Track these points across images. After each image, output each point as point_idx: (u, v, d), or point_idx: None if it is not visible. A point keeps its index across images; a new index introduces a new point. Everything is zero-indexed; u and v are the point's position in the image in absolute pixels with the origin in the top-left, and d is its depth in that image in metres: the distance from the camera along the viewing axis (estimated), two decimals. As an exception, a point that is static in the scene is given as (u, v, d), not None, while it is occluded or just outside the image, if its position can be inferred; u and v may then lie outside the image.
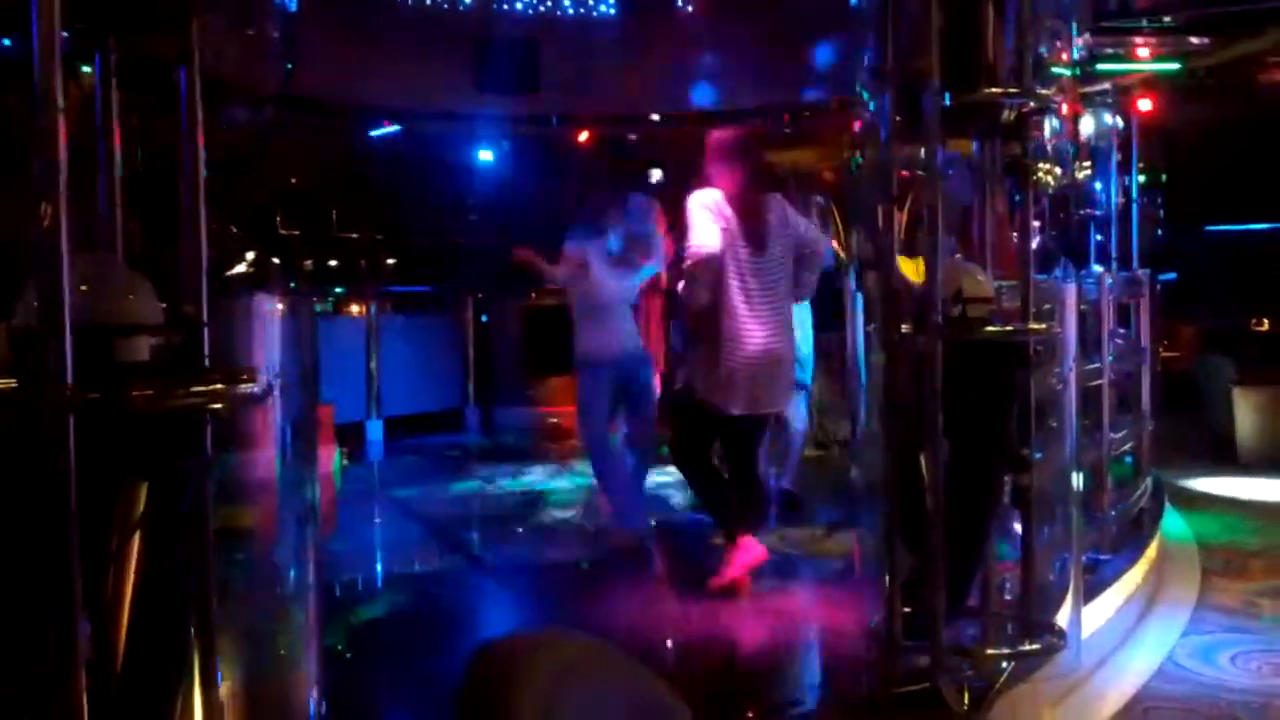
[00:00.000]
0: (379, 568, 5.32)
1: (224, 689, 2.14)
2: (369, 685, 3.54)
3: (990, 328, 3.39)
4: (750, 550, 4.51)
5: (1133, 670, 4.19)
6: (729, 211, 4.45)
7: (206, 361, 2.08)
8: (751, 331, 4.44)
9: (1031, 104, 3.56)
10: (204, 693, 2.07)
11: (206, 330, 2.10)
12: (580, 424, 5.41)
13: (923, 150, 3.36)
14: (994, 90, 3.41)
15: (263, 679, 2.48)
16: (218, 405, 1.84)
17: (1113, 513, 5.10)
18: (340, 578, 4.73)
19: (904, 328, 3.37)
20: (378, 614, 4.45)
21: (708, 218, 4.43)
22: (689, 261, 4.49)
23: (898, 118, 3.46)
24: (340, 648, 3.79)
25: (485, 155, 10.37)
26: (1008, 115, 3.62)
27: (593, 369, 5.32)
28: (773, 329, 4.48)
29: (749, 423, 4.57)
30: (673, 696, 1.41)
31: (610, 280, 5.38)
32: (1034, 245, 3.82)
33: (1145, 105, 8.24)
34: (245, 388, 1.89)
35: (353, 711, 3.24)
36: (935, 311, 3.28)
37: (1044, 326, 3.49)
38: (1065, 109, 6.69)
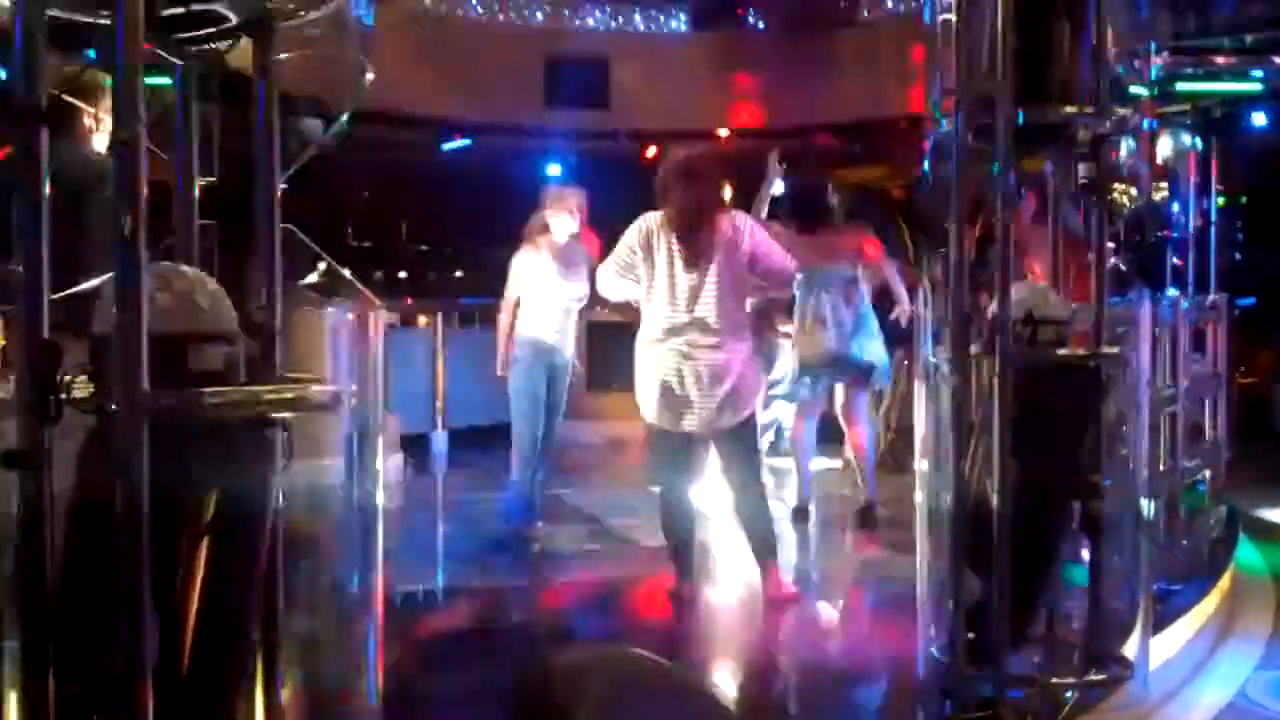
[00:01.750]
0: (440, 578, 5.35)
1: (285, 693, 2.17)
2: (428, 694, 3.55)
3: (1062, 350, 3.34)
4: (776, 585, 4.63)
5: (1202, 704, 4.09)
6: (658, 229, 4.61)
7: (279, 370, 2.12)
8: (677, 345, 4.53)
9: (1107, 124, 3.52)
10: (266, 696, 2.10)
11: (279, 340, 2.13)
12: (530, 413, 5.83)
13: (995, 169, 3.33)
14: (1069, 110, 3.37)
15: (324, 684, 2.51)
16: (288, 413, 1.86)
17: (1184, 542, 4.99)
18: (403, 587, 4.76)
19: (974, 349, 3.33)
20: (439, 624, 4.48)
21: (626, 240, 4.69)
22: None
23: (970, 136, 3.43)
24: (401, 656, 3.81)
25: (553, 169, 10.43)
26: (1083, 135, 3.57)
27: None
28: (710, 343, 4.53)
29: (692, 439, 4.64)
30: (731, 717, 1.40)
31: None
32: (1108, 267, 3.77)
33: (1225, 126, 8.09)
34: (315, 396, 1.92)
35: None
36: (1006, 334, 3.24)
37: (1117, 350, 3.43)
38: (1142, 129, 6.59)
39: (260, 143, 2.24)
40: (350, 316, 2.14)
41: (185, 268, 2.03)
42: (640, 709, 1.15)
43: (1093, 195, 3.72)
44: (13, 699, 1.87)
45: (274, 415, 1.87)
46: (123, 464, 1.73)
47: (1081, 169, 3.75)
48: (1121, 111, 3.53)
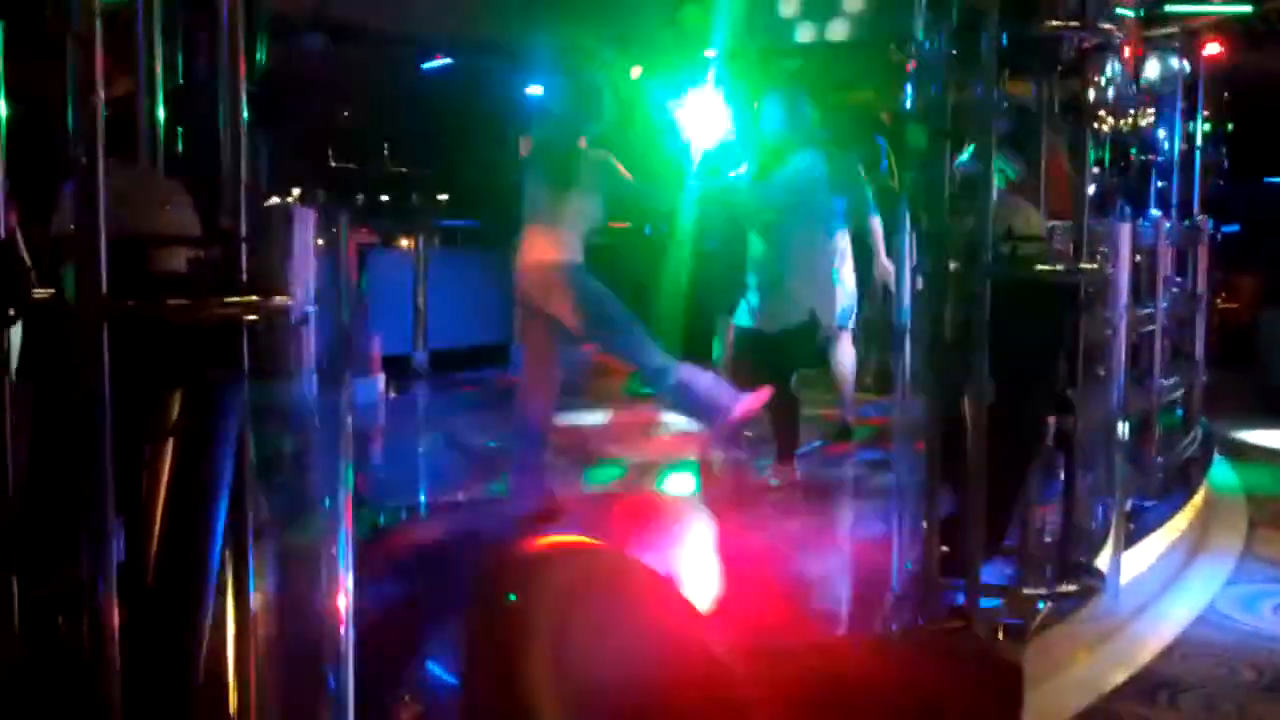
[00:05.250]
0: (419, 496, 5.37)
1: (256, 600, 2.16)
2: (399, 604, 3.56)
3: (1040, 266, 3.33)
4: None
5: (1173, 617, 4.15)
6: None
7: (245, 277, 2.09)
8: None
9: (1093, 40, 3.48)
10: (237, 602, 2.09)
11: (246, 248, 2.10)
12: None
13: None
14: (1054, 24, 3.33)
15: (294, 593, 2.50)
16: (252, 317, 1.84)
17: (1159, 460, 5.03)
18: (380, 503, 4.78)
19: (952, 265, 3.32)
20: (416, 537, 4.49)
21: None
22: None
23: (953, 53, 3.39)
24: (376, 568, 3.81)
25: (535, 89, 10.28)
26: (1067, 52, 3.54)
27: None
28: None
29: None
30: (700, 614, 1.40)
31: None
32: (1091, 187, 3.75)
33: (1213, 50, 8.00)
34: (280, 300, 1.89)
35: (380, 627, 3.25)
36: (984, 249, 3.23)
37: (1095, 266, 3.43)
38: (1128, 51, 6.51)
39: (224, 47, 2.19)
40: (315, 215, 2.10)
41: (147, 170, 2.00)
42: (601, 601, 1.15)
43: (1076, 113, 3.69)
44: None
45: (237, 319, 1.84)
46: (83, 367, 1.71)
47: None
48: (1107, 27, 3.48)
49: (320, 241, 2.51)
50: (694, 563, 4.01)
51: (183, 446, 1.85)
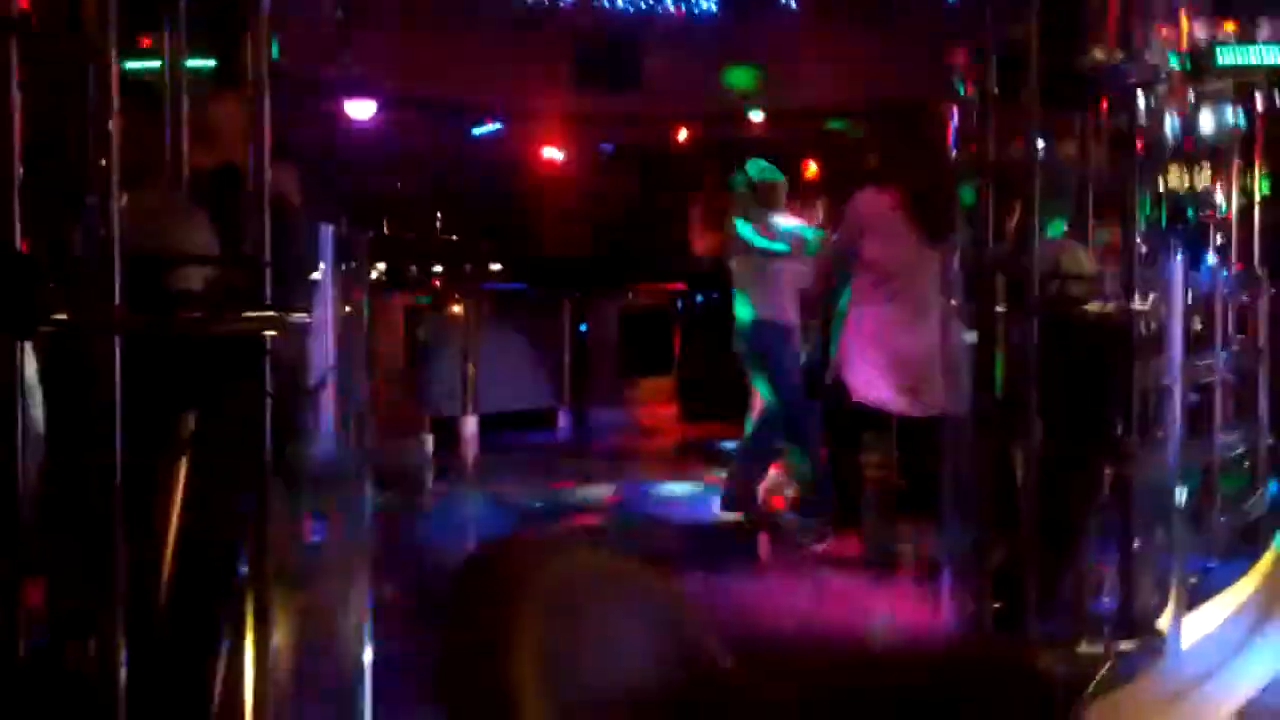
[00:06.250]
0: (457, 549, 5.30)
1: (277, 636, 2.09)
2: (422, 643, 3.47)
3: (1089, 305, 3.23)
4: None
5: (1242, 684, 3.95)
6: None
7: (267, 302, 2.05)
8: None
9: (1139, 75, 3.42)
10: (258, 635, 2.01)
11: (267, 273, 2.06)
12: None
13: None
14: (1099, 57, 3.26)
15: (316, 632, 2.43)
16: (270, 331, 1.78)
17: (1223, 519, 4.84)
18: (423, 558, 4.71)
19: (998, 308, 3.23)
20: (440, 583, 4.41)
21: None
22: None
23: (995, 90, 3.32)
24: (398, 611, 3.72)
25: (586, 156, 10.37)
26: (1115, 88, 3.47)
27: None
28: None
29: None
30: (705, 632, 1.31)
31: None
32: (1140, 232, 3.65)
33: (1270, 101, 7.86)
34: (297, 317, 1.85)
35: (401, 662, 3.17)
36: (1031, 288, 3.13)
37: (1147, 306, 3.32)
38: (1177, 102, 6.42)
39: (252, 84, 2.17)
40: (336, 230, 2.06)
41: (168, 192, 1.98)
42: (597, 600, 1.07)
43: (1124, 148, 3.60)
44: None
45: (252, 334, 1.79)
46: (96, 382, 1.67)
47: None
48: (1153, 62, 3.41)
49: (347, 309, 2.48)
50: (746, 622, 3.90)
51: (198, 468, 1.80)
